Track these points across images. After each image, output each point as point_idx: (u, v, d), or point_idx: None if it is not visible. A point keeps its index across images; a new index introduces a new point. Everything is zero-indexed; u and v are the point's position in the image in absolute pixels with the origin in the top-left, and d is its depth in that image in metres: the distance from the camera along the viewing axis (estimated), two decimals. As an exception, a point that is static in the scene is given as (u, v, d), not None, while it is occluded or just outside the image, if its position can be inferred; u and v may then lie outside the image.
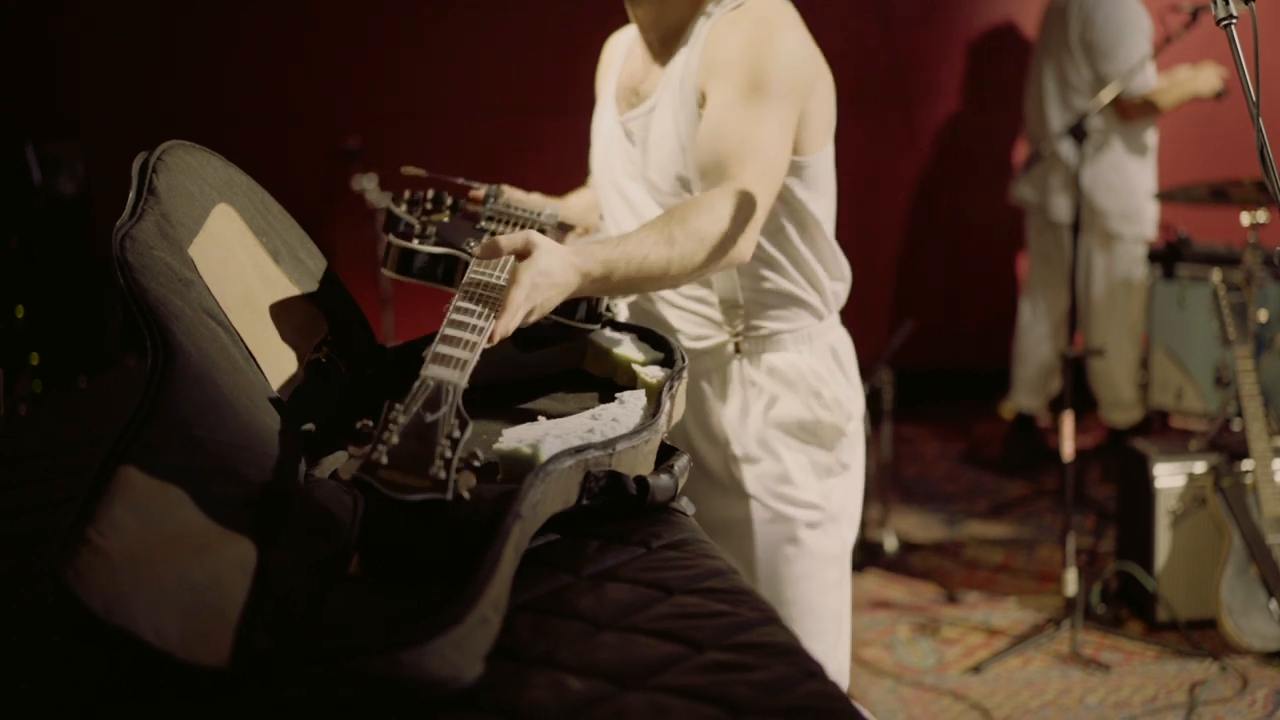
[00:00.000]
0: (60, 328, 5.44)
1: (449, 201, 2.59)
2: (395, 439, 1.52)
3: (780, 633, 1.51)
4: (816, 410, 2.75)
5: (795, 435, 2.77)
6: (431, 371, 1.70)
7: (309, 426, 1.88)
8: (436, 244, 2.32)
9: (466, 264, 2.23)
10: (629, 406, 2.07)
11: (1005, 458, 6.39)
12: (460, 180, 2.75)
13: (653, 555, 1.72)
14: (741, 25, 2.55)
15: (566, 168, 6.72)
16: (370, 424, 1.54)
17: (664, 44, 2.70)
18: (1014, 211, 6.58)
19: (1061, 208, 5.94)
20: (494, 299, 1.97)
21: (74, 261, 5.65)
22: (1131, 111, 5.77)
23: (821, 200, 2.73)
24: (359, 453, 1.50)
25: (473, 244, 2.33)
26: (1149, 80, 5.74)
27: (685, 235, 2.33)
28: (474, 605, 1.35)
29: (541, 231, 2.54)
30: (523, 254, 2.10)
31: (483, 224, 2.53)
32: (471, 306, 1.94)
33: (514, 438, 1.85)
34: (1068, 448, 4.45)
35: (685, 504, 1.96)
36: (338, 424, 2.03)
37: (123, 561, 1.37)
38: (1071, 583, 4.42)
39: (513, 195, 2.79)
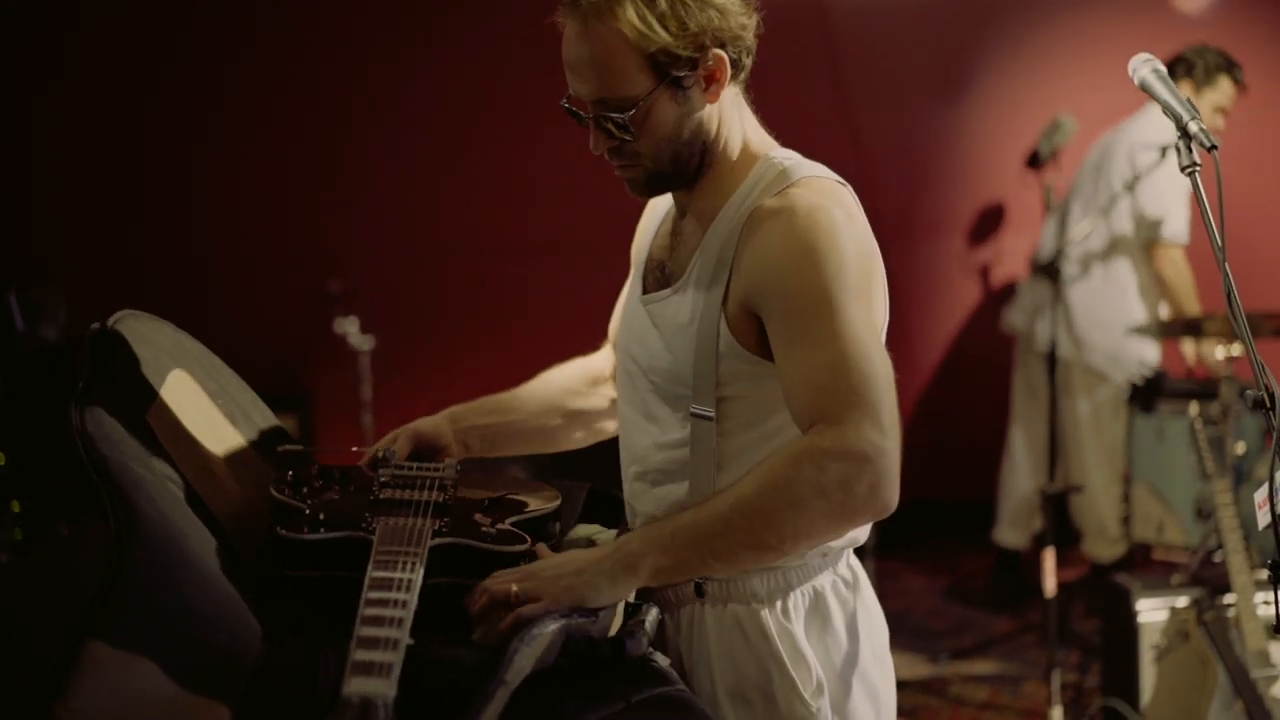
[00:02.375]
0: (42, 475, 5.43)
1: (337, 474, 2.37)
2: None
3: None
4: (774, 675, 2.28)
5: (749, 702, 2.29)
6: (354, 686, 1.50)
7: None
8: (329, 529, 2.07)
9: (368, 544, 1.99)
10: None
11: (990, 592, 6.37)
12: (353, 449, 2.54)
13: (632, 711, 1.72)
14: (783, 221, 2.19)
15: (546, 312, 6.77)
16: None
17: (700, 221, 2.35)
18: (1005, 339, 6.60)
19: (1049, 339, 5.96)
20: (407, 581, 1.81)
21: (56, 408, 5.64)
22: (1160, 254, 5.80)
23: None
24: None
25: (370, 519, 2.10)
26: (1180, 230, 5.75)
27: (761, 494, 2.05)
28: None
29: (446, 483, 2.31)
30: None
31: (380, 491, 2.26)
32: (385, 596, 1.76)
33: None
34: (1050, 584, 4.45)
35: (659, 657, 1.96)
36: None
37: (93, 735, 1.37)
38: (1058, 720, 4.40)
39: (423, 426, 2.53)
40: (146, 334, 2.20)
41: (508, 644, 1.66)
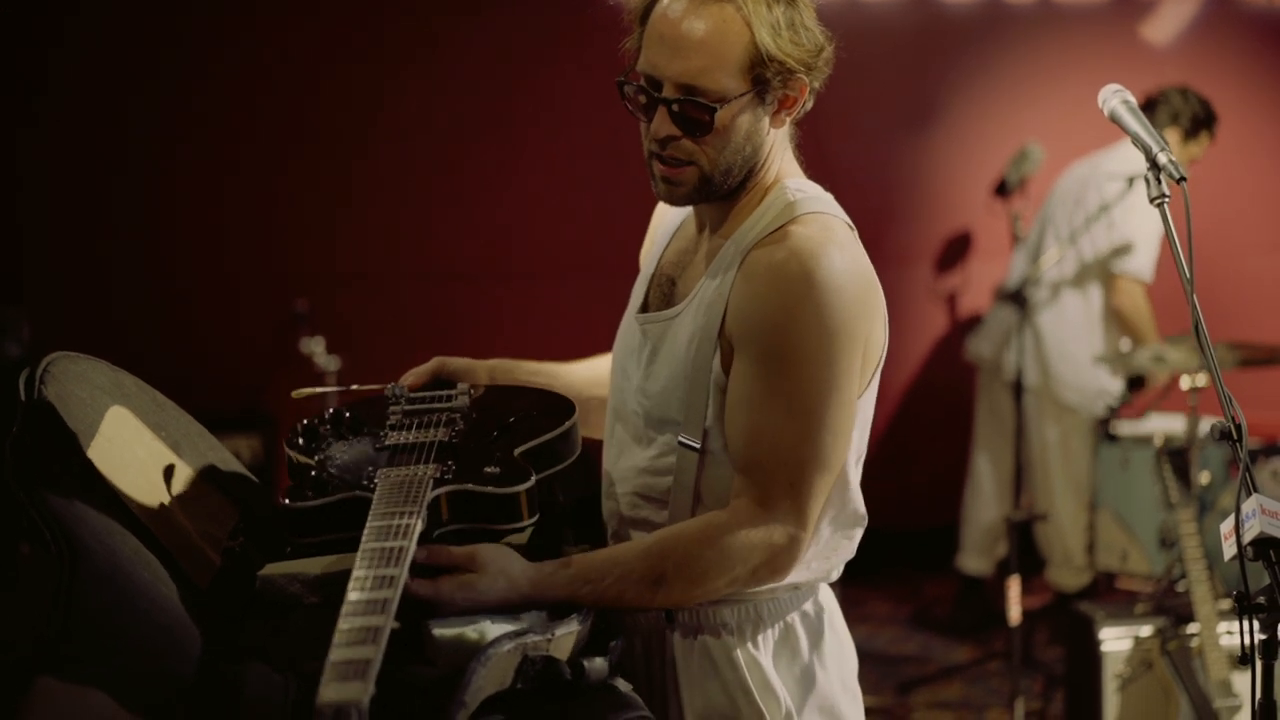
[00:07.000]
0: (2, 493, 5.38)
1: (348, 415, 2.32)
2: None
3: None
4: (742, 706, 2.28)
5: None
6: (329, 694, 1.41)
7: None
8: (330, 490, 2.05)
9: (369, 503, 1.95)
10: None
11: (954, 619, 6.37)
12: (355, 387, 2.53)
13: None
14: (775, 267, 2.18)
15: (511, 335, 6.75)
16: None
17: (715, 241, 2.33)
18: (970, 367, 6.59)
19: (1017, 367, 5.94)
20: (398, 551, 1.75)
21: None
22: (1119, 285, 5.80)
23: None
24: None
25: (373, 472, 2.07)
26: (1144, 266, 5.75)
27: (677, 574, 2.12)
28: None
29: (455, 417, 2.28)
30: (467, 570, 1.96)
31: (386, 436, 2.22)
32: (372, 574, 1.69)
33: (455, 622, 1.83)
34: (1014, 612, 4.45)
35: (621, 683, 1.95)
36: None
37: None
38: (1021, 749, 4.40)
39: (454, 364, 2.49)
40: (82, 373, 2.17)
41: (465, 665, 1.64)
